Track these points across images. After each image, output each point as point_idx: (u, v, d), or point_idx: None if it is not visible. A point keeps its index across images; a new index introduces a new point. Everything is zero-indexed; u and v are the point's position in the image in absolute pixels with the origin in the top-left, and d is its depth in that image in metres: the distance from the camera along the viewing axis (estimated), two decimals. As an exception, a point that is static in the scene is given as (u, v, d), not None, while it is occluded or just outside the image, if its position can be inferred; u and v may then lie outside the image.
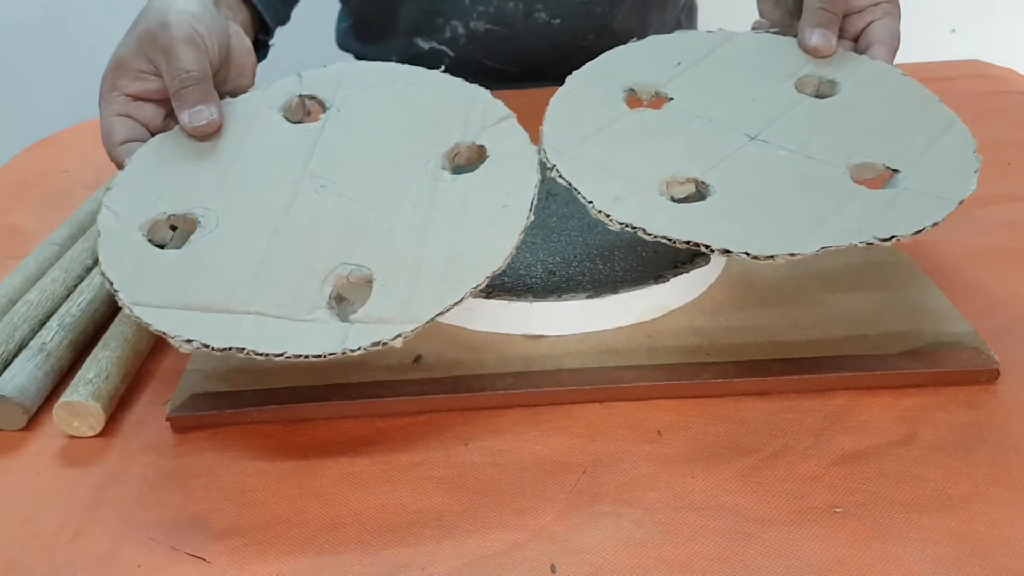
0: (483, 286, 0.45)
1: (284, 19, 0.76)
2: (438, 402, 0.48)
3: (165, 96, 0.54)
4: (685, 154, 0.51)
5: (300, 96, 0.57)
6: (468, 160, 0.53)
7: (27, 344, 0.52)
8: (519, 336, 0.52)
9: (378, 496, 0.43)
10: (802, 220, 0.47)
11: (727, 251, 0.46)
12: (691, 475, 0.43)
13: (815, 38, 0.58)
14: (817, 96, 0.56)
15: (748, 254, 0.45)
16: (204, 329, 0.45)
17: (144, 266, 0.47)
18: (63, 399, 0.47)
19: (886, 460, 0.43)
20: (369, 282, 0.46)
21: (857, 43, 0.60)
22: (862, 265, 0.57)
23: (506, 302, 0.51)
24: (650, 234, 0.46)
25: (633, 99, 0.56)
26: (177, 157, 0.53)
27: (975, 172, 0.50)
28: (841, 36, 0.60)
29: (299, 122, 0.56)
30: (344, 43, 1.06)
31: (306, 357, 0.44)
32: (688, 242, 0.46)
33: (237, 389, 0.49)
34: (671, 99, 0.55)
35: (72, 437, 0.48)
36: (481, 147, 0.52)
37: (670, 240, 0.46)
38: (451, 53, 0.95)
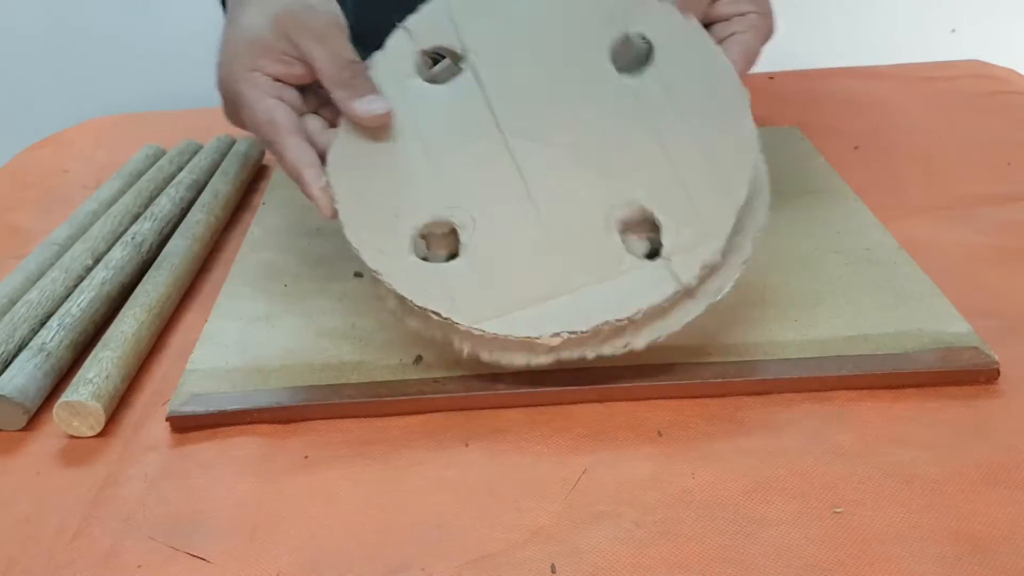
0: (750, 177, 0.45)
1: None
2: (438, 402, 0.48)
3: (306, 82, 0.50)
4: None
5: (422, 51, 0.50)
6: (633, 53, 0.50)
7: (27, 344, 0.52)
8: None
9: (378, 496, 0.43)
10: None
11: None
12: (691, 475, 0.43)
13: None
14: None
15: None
16: (557, 319, 0.45)
17: (452, 286, 0.46)
18: (63, 399, 0.47)
19: (886, 460, 0.43)
20: (644, 214, 0.46)
21: None
22: (862, 265, 0.57)
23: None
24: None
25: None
26: (371, 168, 0.48)
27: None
28: None
29: (445, 79, 0.50)
30: None
31: (659, 305, 0.44)
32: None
33: (237, 389, 0.49)
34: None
35: (72, 437, 0.48)
36: (640, 37, 0.48)
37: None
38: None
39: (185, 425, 0.48)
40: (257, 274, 0.60)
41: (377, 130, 0.49)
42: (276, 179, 0.75)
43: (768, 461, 0.44)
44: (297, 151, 0.49)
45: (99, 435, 0.48)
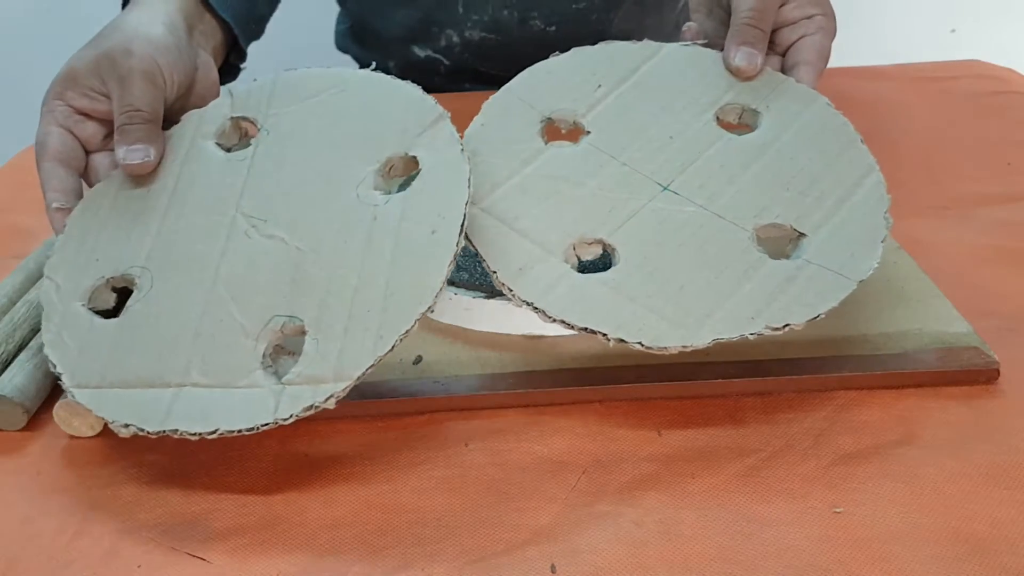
0: (414, 329, 0.43)
1: (257, 35, 0.74)
2: (438, 402, 0.48)
3: (110, 118, 0.53)
4: (594, 210, 0.49)
5: (232, 118, 0.53)
6: (405, 172, 0.50)
7: (27, 344, 0.52)
8: (519, 336, 0.52)
9: (378, 496, 0.43)
10: (699, 302, 0.46)
11: (622, 340, 0.45)
12: (691, 475, 0.43)
13: (739, 58, 0.55)
14: (739, 124, 0.54)
15: (642, 344, 0.44)
16: (140, 410, 0.44)
17: (87, 342, 0.46)
18: (63, 399, 0.47)
19: (886, 460, 0.43)
20: (303, 334, 0.44)
21: (785, 58, 0.58)
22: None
23: (506, 302, 0.51)
24: (549, 317, 0.46)
25: (551, 127, 0.54)
26: (116, 210, 0.51)
27: (882, 241, 0.48)
28: (771, 49, 0.58)
29: (232, 149, 0.53)
30: (343, 45, 1.05)
31: (239, 431, 0.42)
32: (585, 328, 0.45)
33: (237, 389, 0.49)
34: (588, 132, 0.53)
35: (72, 437, 0.48)
36: (413, 159, 0.49)
37: (568, 324, 0.45)
38: (446, 61, 0.94)
39: (185, 425, 0.48)
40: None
41: (140, 178, 0.52)
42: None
43: (768, 461, 0.44)
44: (47, 174, 0.52)
45: (99, 435, 0.48)
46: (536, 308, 0.46)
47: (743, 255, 0.48)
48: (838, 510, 0.41)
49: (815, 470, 0.43)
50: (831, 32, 0.57)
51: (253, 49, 0.72)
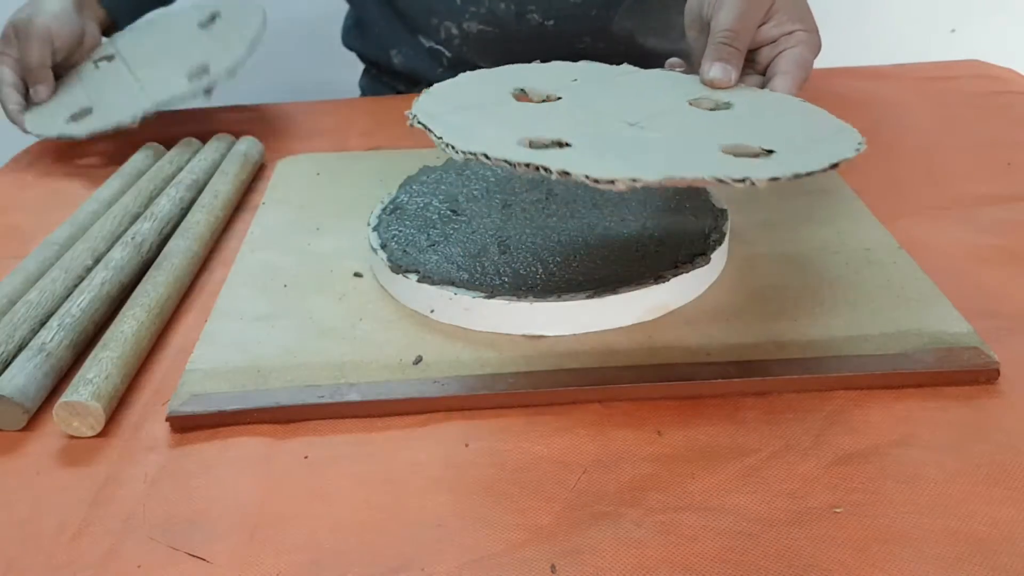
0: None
1: (135, 18, 0.98)
2: (438, 402, 0.48)
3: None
4: (555, 126, 0.50)
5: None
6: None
7: (27, 344, 0.52)
8: (519, 336, 0.52)
9: (378, 496, 0.43)
10: (656, 160, 0.45)
11: (566, 173, 0.43)
12: (691, 475, 0.43)
13: (713, 71, 0.56)
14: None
15: (588, 177, 0.42)
16: None
17: None
18: (63, 399, 0.47)
19: (886, 460, 0.43)
20: None
21: (765, 74, 0.59)
22: (862, 265, 0.57)
23: (507, 302, 0.52)
24: (490, 158, 0.44)
25: (522, 97, 0.55)
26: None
27: (855, 149, 0.48)
28: (753, 68, 0.59)
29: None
30: (348, 41, 1.06)
31: None
32: (528, 165, 0.44)
33: (237, 389, 0.49)
34: (559, 98, 0.55)
35: (72, 437, 0.48)
36: None
37: (510, 164, 0.44)
38: (448, 53, 0.95)
39: (185, 425, 0.48)
40: (257, 274, 0.60)
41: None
42: (276, 179, 0.75)
43: (768, 461, 0.44)
44: (6, 95, 0.86)
45: (99, 435, 0.48)
46: (475, 154, 0.45)
47: (708, 156, 0.47)
48: (838, 510, 0.41)
49: (815, 470, 0.43)
50: (813, 46, 0.58)
51: (267, 44, 0.79)
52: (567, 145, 0.47)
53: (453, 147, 0.46)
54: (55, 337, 0.52)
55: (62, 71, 0.89)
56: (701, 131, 0.50)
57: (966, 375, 0.48)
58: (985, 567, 0.38)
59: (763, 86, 0.58)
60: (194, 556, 0.40)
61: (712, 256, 0.55)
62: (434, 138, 0.48)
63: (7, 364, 0.51)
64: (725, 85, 0.56)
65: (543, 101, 0.55)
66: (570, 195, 0.63)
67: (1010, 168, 0.71)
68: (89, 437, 0.48)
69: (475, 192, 0.64)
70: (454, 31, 0.93)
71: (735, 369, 0.48)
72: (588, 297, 0.51)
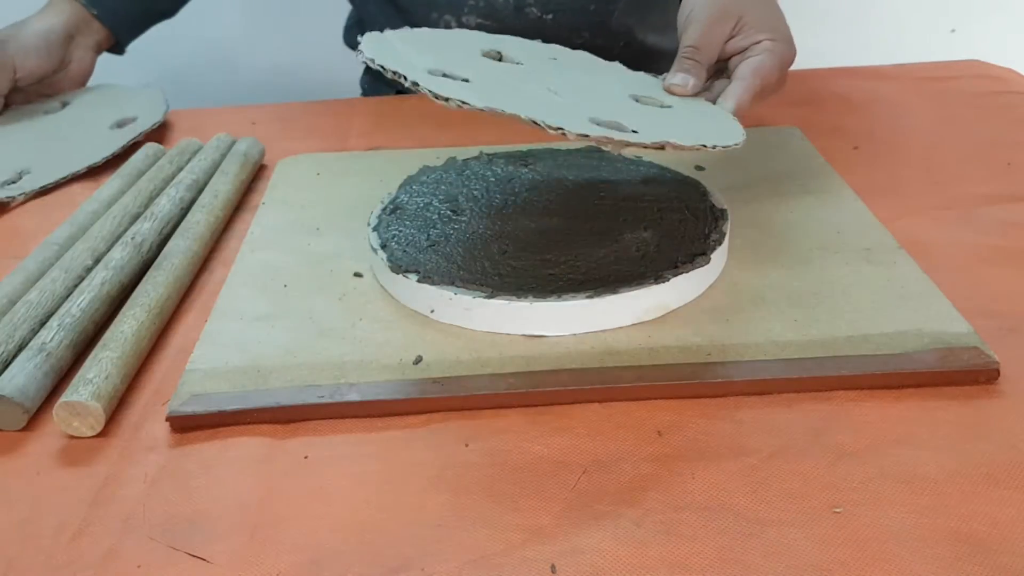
0: None
1: (137, 35, 0.99)
2: (438, 402, 0.48)
3: None
4: (482, 75, 0.54)
5: None
6: None
7: (27, 344, 0.52)
8: (519, 336, 0.52)
9: (378, 496, 0.43)
10: (532, 105, 0.49)
11: (439, 96, 0.46)
12: (691, 475, 0.43)
13: (673, 78, 0.60)
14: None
15: (452, 99, 0.46)
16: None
17: None
18: (63, 399, 0.47)
19: (886, 460, 0.43)
20: None
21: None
22: (862, 265, 0.57)
23: (506, 302, 0.52)
24: (386, 69, 0.48)
25: (489, 55, 0.59)
26: None
27: (717, 146, 0.52)
28: (726, 77, 0.61)
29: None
30: (350, 40, 1.06)
31: None
32: (416, 84, 0.47)
33: (237, 389, 0.49)
34: (519, 63, 0.58)
35: (72, 437, 0.48)
36: None
37: (404, 79, 0.47)
38: None
39: (185, 425, 0.48)
40: (257, 274, 0.60)
41: None
42: (276, 179, 0.75)
43: (768, 461, 0.44)
44: None
45: (99, 435, 0.48)
46: (382, 67, 0.48)
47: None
48: (838, 510, 0.41)
49: (815, 470, 0.43)
50: (777, 53, 0.60)
51: (268, 45, 0.76)
52: (466, 81, 0.51)
53: (371, 59, 0.49)
54: (55, 337, 0.52)
55: (31, 97, 0.92)
56: (607, 105, 0.54)
57: (966, 375, 0.48)
58: (985, 567, 0.38)
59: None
60: (194, 556, 0.40)
61: (712, 256, 0.55)
62: (360, 51, 0.50)
63: (7, 364, 0.51)
64: (681, 92, 0.59)
65: (499, 61, 0.59)
66: (570, 195, 0.63)
67: (1010, 168, 0.71)
68: (89, 437, 0.48)
69: (475, 192, 0.64)
70: (453, 25, 0.93)
71: (735, 369, 0.48)
72: (588, 297, 0.51)
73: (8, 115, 0.90)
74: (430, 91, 0.46)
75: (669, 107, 0.58)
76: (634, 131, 0.50)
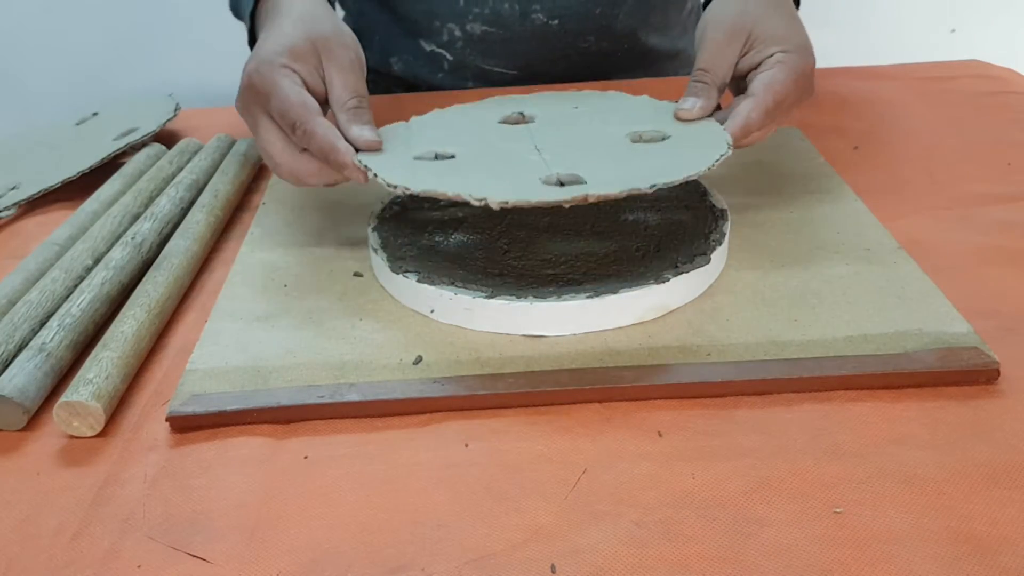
0: None
1: None
2: (438, 402, 0.48)
3: (322, 95, 0.59)
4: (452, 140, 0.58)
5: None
6: None
7: (27, 344, 0.52)
8: (519, 336, 0.52)
9: (378, 496, 0.43)
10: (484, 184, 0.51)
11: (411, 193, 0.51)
12: (691, 475, 0.43)
13: (683, 104, 0.60)
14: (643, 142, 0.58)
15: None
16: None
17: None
18: (63, 399, 0.47)
19: (886, 460, 0.43)
20: None
21: None
22: (862, 265, 0.57)
23: (507, 302, 0.52)
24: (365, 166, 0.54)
25: (518, 120, 0.62)
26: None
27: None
28: (741, 93, 0.61)
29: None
30: None
31: None
32: (392, 186, 0.51)
33: (237, 389, 0.49)
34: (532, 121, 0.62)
35: (72, 437, 0.48)
36: None
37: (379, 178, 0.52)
38: (449, 56, 0.94)
39: (185, 425, 0.48)
40: (257, 274, 0.60)
41: None
42: (276, 179, 0.75)
43: (768, 461, 0.44)
44: (330, 129, 0.55)
45: (99, 435, 0.48)
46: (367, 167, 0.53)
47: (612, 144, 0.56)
48: (838, 510, 0.41)
49: (815, 470, 0.43)
50: (791, 64, 0.59)
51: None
52: (452, 157, 0.56)
53: (365, 164, 0.54)
54: (55, 337, 0.52)
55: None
56: (589, 154, 0.56)
57: (966, 375, 0.48)
58: (985, 567, 0.38)
59: None
60: (194, 556, 0.40)
61: (712, 256, 0.55)
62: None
63: (7, 364, 0.51)
64: (689, 116, 0.60)
65: (517, 123, 0.62)
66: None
67: (1010, 168, 0.71)
68: (89, 437, 0.48)
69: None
70: (457, 33, 0.92)
71: (735, 369, 0.48)
72: (588, 297, 0.51)
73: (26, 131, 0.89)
74: (384, 180, 0.52)
75: (666, 139, 0.57)
76: (584, 183, 0.51)
